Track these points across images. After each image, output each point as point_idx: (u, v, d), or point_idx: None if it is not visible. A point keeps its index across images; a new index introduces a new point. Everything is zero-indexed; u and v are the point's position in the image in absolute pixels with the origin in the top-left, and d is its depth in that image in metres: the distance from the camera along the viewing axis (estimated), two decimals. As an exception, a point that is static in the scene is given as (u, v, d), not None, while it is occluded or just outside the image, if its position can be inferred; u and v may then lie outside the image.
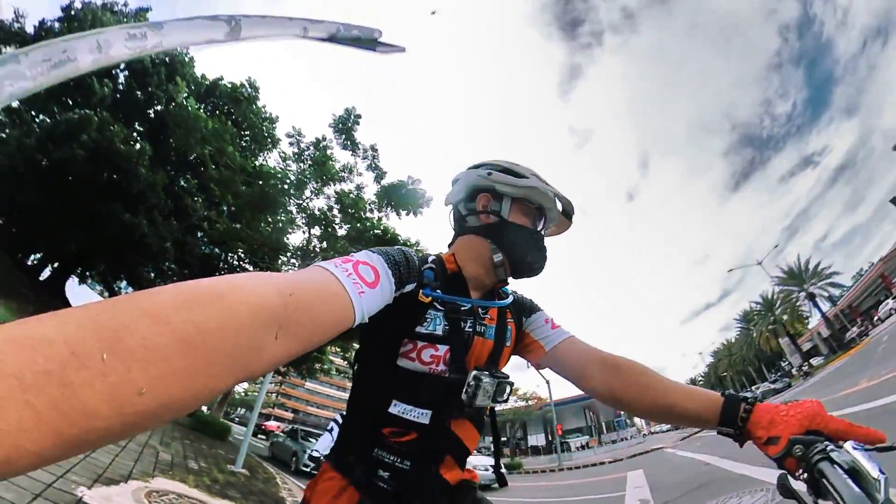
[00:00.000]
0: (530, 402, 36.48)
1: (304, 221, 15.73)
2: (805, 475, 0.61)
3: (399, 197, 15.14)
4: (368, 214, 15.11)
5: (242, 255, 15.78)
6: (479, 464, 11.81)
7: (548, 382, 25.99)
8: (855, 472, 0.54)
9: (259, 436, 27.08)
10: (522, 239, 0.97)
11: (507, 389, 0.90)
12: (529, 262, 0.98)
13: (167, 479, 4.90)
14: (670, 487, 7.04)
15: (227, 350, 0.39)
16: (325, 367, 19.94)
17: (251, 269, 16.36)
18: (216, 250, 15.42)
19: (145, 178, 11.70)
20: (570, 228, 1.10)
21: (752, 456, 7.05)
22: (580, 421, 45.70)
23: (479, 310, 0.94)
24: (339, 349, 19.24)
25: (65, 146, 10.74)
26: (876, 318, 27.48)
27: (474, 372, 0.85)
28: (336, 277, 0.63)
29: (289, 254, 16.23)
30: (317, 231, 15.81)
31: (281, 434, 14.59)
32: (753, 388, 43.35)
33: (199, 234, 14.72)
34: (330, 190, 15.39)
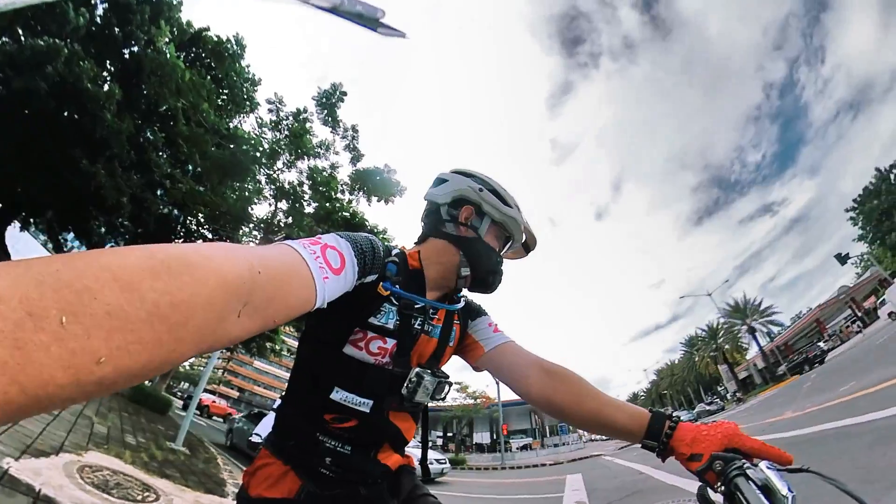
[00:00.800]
0: (479, 401, 37.07)
1: (271, 193, 15.24)
2: (722, 488, 0.67)
3: (373, 182, 14.93)
4: (339, 195, 14.79)
5: (203, 221, 15.03)
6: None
7: (497, 383, 26.47)
8: (767, 490, 0.61)
9: (212, 417, 25.78)
10: (490, 260, 1.00)
11: (446, 389, 0.93)
12: (490, 282, 1.02)
13: (102, 453, 4.62)
14: (606, 492, 7.33)
15: (195, 323, 0.36)
16: (277, 347, 19.40)
17: (210, 236, 15.55)
18: (175, 212, 14.60)
19: (110, 124, 10.73)
20: (525, 258, 1.17)
21: (681, 468, 7.40)
22: (525, 423, 46.87)
23: (430, 309, 0.96)
24: (293, 329, 18.77)
25: (27, 76, 9.73)
26: (814, 353, 29.42)
27: (417, 369, 0.87)
28: (303, 259, 0.62)
29: (251, 225, 15.61)
30: (284, 205, 15.35)
31: (241, 418, 12.58)
32: (690, 408, 46.04)
33: (160, 193, 13.87)
34: (303, 165, 14.96)
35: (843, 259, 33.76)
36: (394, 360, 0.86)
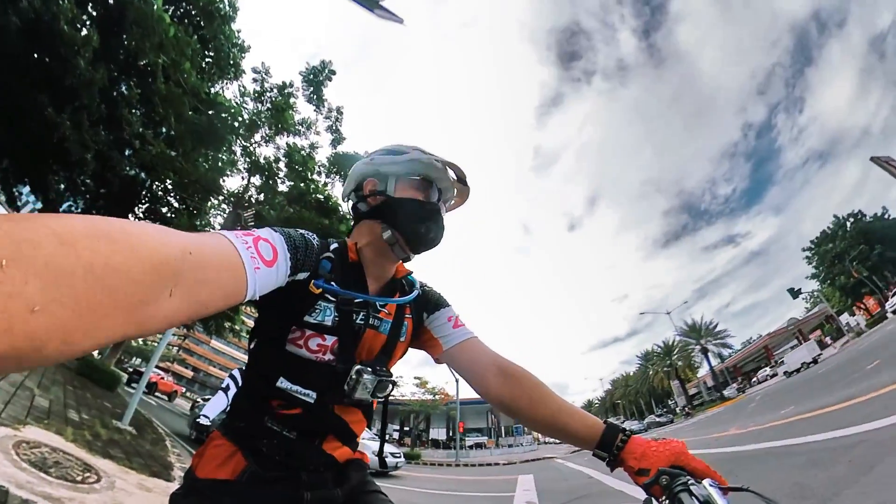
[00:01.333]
0: (437, 397, 37.31)
1: (245, 167, 14.75)
2: (667, 502, 0.70)
3: (350, 167, 14.69)
4: (315, 177, 14.42)
5: (170, 188, 14.30)
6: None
7: (457, 381, 26.75)
8: None
9: (155, 393, 24.52)
10: (411, 210, 0.94)
11: (389, 387, 0.92)
12: (423, 232, 0.96)
13: (42, 428, 4.36)
14: (556, 494, 7.50)
15: (127, 290, 0.36)
16: (237, 326, 18.79)
17: (176, 204, 14.90)
18: (142, 175, 13.79)
19: (83, 72, 9.92)
20: (470, 196, 1.08)
21: (627, 475, 7.65)
22: (482, 422, 47.54)
23: (377, 303, 0.94)
24: (253, 310, 18.20)
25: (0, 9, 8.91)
26: (754, 379, 31.61)
27: (358, 366, 0.86)
28: (235, 248, 0.61)
29: (221, 198, 15.03)
30: (257, 181, 14.90)
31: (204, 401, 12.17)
32: (641, 418, 48.23)
33: (128, 153, 13.05)
34: (282, 141, 14.54)
35: (795, 294, 36.35)
36: (337, 356, 0.86)
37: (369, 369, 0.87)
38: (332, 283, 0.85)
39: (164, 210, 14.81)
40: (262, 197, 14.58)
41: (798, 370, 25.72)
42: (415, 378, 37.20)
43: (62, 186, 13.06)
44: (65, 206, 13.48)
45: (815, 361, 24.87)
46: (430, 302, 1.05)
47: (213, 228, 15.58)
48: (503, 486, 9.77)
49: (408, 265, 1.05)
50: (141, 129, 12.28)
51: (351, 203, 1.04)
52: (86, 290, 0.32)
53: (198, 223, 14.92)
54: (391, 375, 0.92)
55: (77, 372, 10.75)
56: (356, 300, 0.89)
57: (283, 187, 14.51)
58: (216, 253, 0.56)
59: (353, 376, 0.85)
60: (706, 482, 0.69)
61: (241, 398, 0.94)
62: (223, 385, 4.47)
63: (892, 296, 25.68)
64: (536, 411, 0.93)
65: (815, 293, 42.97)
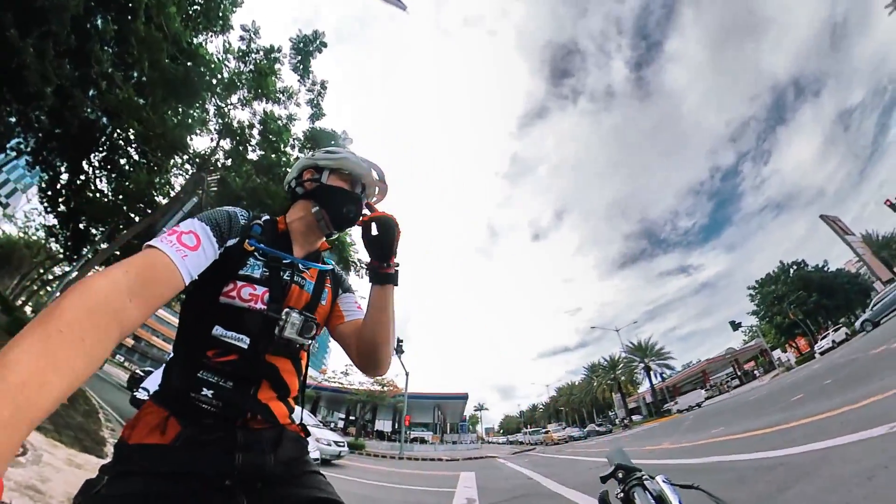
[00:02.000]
0: (386, 389, 37.15)
1: (217, 128, 14.02)
2: (621, 495, 0.74)
3: (326, 144, 14.12)
4: (288, 150, 13.94)
5: (132, 139, 13.33)
6: (323, 437, 11.66)
7: (406, 374, 26.67)
8: (661, 500, 0.67)
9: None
10: (338, 196, 1.18)
11: (314, 329, 1.03)
12: (344, 213, 1.17)
13: None
14: (495, 492, 7.64)
15: (108, 311, 0.65)
16: (184, 295, 17.85)
17: (136, 157, 13.91)
18: (104, 120, 12.76)
19: None
20: (388, 192, 1.34)
21: (566, 478, 8.04)
22: (428, 417, 47.87)
23: (300, 266, 1.10)
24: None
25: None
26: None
27: (287, 309, 1.00)
28: (160, 249, 0.81)
29: (186, 157, 14.20)
30: (227, 145, 14.20)
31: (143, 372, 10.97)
32: (583, 426, 50.46)
33: (92, 93, 12.05)
34: (259, 107, 13.93)
35: (735, 326, 39.37)
36: (268, 305, 0.98)
37: (297, 310, 1.01)
38: (262, 244, 1.02)
39: (122, 162, 13.78)
40: (229, 162, 13.92)
41: (690, 408, 31.26)
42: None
43: (13, 120, 11.92)
44: (13, 142, 12.33)
45: (698, 405, 30.64)
46: (344, 283, 1.26)
47: (174, 189, 14.74)
48: (445, 481, 9.86)
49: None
50: (110, 70, 11.43)
51: (290, 189, 1.25)
52: (93, 323, 0.61)
53: (157, 181, 14.01)
54: (315, 319, 1.04)
55: (7, 331, 9.92)
56: (284, 260, 1.05)
57: (252, 155, 13.90)
58: (147, 260, 0.78)
59: (283, 317, 0.98)
60: (659, 478, 0.72)
61: (174, 360, 0.99)
62: (168, 358, 4.30)
63: (822, 339, 28.14)
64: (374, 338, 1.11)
65: (754, 328, 46.99)
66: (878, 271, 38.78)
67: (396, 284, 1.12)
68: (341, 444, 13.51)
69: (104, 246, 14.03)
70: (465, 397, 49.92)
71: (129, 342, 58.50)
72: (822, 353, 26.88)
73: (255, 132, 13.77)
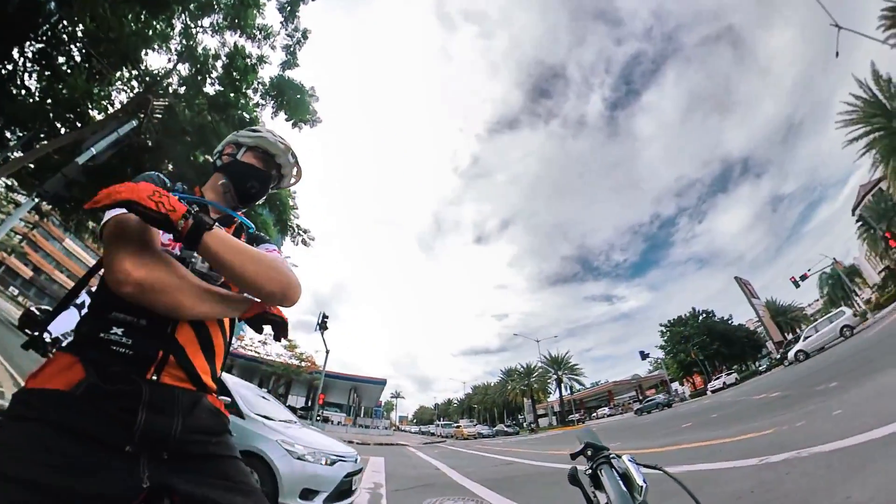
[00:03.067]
0: (304, 364, 36.17)
1: (178, 49, 12.59)
2: (590, 472, 0.78)
3: (291, 97, 13.30)
4: (250, 93, 12.86)
5: (80, 36, 11.50)
6: (303, 440, 10.73)
7: (327, 351, 26.19)
8: (626, 477, 0.72)
9: None
10: (246, 171, 1.25)
11: None
12: (248, 187, 1.25)
13: None
14: (403, 479, 7.73)
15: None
16: (100, 226, 15.89)
17: (78, 58, 11.88)
18: (52, 6, 10.70)
19: None
20: (303, 175, 1.43)
21: (471, 472, 8.30)
22: (343, 398, 47.35)
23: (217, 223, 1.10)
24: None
25: None
26: (594, 414, 37.70)
27: None
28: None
29: (135, 72, 12.60)
30: (185, 70, 12.86)
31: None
32: (493, 425, 53.05)
33: (44, -34, 10.16)
34: (231, 38, 12.62)
35: (644, 356, 44.02)
36: (182, 250, 1.00)
37: None
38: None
39: (61, 60, 11.80)
40: (182, 90, 12.57)
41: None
42: (287, 340, 35.63)
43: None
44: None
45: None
46: (261, 240, 1.27)
47: (113, 106, 13.04)
48: (353, 460, 9.79)
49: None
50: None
51: (213, 161, 1.32)
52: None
53: (96, 91, 12.22)
54: None
55: None
56: (208, 207, 1.15)
57: (210, 90, 12.63)
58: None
59: (195, 257, 1.00)
60: (625, 457, 0.75)
61: (91, 304, 0.96)
62: (78, 301, 3.81)
63: (716, 379, 32.82)
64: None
65: (659, 360, 52.40)
66: (772, 332, 46.73)
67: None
68: (348, 458, 4.94)
69: (17, 155, 11.97)
70: (383, 383, 50.17)
71: (28, 273, 49.90)
72: (713, 392, 30.84)
73: (219, 65, 12.48)
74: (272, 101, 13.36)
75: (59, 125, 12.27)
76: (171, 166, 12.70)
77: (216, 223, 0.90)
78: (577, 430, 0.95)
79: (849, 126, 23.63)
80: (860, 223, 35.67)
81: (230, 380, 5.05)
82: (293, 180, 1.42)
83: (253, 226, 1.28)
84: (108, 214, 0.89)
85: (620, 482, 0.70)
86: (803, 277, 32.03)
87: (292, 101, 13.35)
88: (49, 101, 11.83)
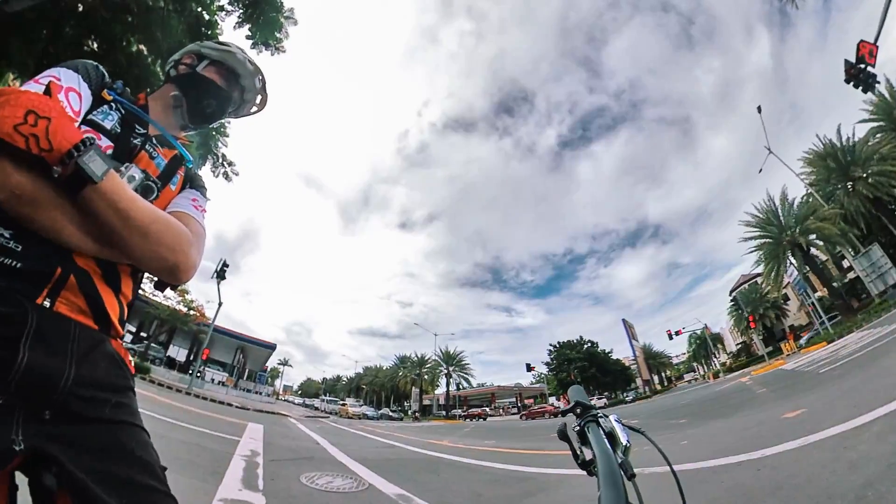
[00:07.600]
0: (192, 313, 32.98)
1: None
2: (578, 428, 0.82)
3: (265, 11, 11.88)
4: (215, 8, 11.42)
5: None
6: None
7: (220, 304, 24.36)
8: (611, 436, 0.76)
9: None
10: (205, 87, 1.10)
11: (155, 191, 0.93)
12: (204, 106, 1.10)
13: None
14: (281, 449, 7.55)
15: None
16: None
17: None
18: None
19: None
20: (268, 102, 1.28)
21: (352, 450, 8.36)
22: (228, 357, 44.46)
23: (154, 140, 0.99)
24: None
25: None
26: (477, 414, 41.34)
27: (128, 163, 0.88)
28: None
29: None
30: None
31: None
32: (378, 408, 53.74)
33: None
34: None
35: (529, 368, 48.67)
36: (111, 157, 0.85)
37: (139, 168, 0.90)
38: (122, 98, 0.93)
39: None
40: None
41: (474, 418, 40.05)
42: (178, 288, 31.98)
43: None
44: None
45: (482, 419, 40.17)
46: (198, 181, 1.08)
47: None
48: (231, 428, 9.33)
49: None
50: None
51: (167, 70, 1.14)
52: None
53: None
54: (159, 183, 0.94)
55: None
56: (145, 126, 0.96)
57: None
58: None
59: (123, 169, 0.83)
60: (612, 417, 0.81)
61: None
62: None
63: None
64: None
65: (542, 375, 58.25)
66: (643, 371, 60.59)
67: None
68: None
69: None
70: (272, 347, 48.27)
71: None
72: (584, 410, 36.05)
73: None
74: (241, 10, 11.73)
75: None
76: (95, 44, 10.77)
77: (111, 168, 0.70)
78: (569, 390, 0.96)
79: (748, 227, 29.83)
80: (733, 303, 45.52)
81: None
82: (254, 108, 1.27)
83: (192, 160, 1.07)
84: None
85: (605, 440, 0.73)
86: (677, 333, 42.29)
87: (264, 15, 11.82)
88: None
